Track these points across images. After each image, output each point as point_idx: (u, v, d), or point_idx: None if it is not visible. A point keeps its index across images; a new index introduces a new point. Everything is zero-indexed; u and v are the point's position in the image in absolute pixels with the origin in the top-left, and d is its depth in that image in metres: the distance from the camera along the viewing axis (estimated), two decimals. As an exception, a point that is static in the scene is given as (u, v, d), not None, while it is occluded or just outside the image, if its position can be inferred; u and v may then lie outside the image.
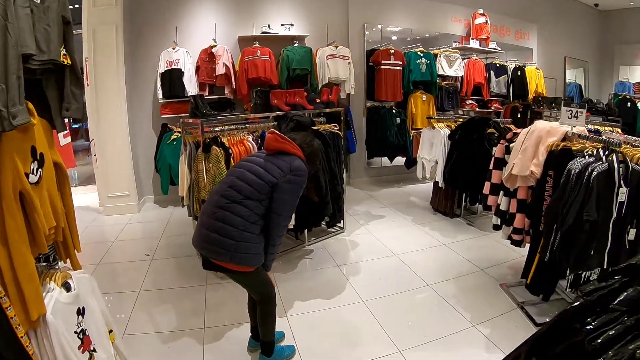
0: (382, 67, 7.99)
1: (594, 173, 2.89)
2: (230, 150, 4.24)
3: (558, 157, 3.38)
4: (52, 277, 2.02)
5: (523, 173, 3.65)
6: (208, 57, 7.15)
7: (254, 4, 7.70)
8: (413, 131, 8.12)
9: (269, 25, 7.54)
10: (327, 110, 5.61)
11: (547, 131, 3.64)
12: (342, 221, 5.77)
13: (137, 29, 7.03)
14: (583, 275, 3.55)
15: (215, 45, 7.13)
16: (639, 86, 10.89)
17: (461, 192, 6.31)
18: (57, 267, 2.22)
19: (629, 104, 9.38)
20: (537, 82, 9.85)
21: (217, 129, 4.57)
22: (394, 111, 8.23)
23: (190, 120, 4.67)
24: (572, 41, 11.92)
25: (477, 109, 9.19)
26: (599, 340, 1.07)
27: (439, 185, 6.30)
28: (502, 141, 4.29)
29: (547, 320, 3.45)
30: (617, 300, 1.13)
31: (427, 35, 9.19)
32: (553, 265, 3.29)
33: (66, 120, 2.29)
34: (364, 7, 8.36)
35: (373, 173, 9.04)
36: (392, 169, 8.98)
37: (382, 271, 4.67)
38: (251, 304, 3.22)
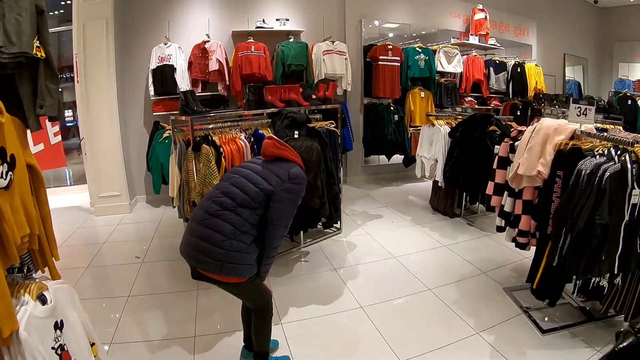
0: (380, 63, 7.84)
1: (607, 174, 2.75)
2: (221, 149, 4.05)
3: (567, 157, 3.23)
4: (27, 289, 1.86)
5: (529, 173, 3.49)
6: (201, 52, 6.96)
7: (248, -2, 7.52)
8: (411, 128, 7.99)
9: (263, 20, 7.36)
10: (323, 107, 5.44)
11: (554, 129, 3.47)
12: (339, 222, 5.61)
13: (128, 24, 6.84)
14: (592, 281, 3.42)
15: (209, 41, 6.95)
16: (639, 84, 10.88)
17: (462, 191, 6.17)
18: (33, 277, 2.07)
19: (629, 102, 9.44)
20: (536, 79, 9.75)
21: (210, 126, 4.38)
22: (391, 108, 8.08)
23: (183, 118, 4.47)
24: (571, 38, 11.87)
25: (476, 106, 9.02)
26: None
27: (439, 184, 6.14)
28: (506, 139, 4.11)
29: (553, 326, 3.35)
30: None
31: (424, 31, 9.01)
32: (561, 270, 3.12)
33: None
34: (361, 2, 8.20)
35: (370, 171, 8.87)
36: (390, 167, 8.83)
37: (380, 274, 4.52)
38: (245, 311, 3.06)
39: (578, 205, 2.88)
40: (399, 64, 7.99)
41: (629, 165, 2.74)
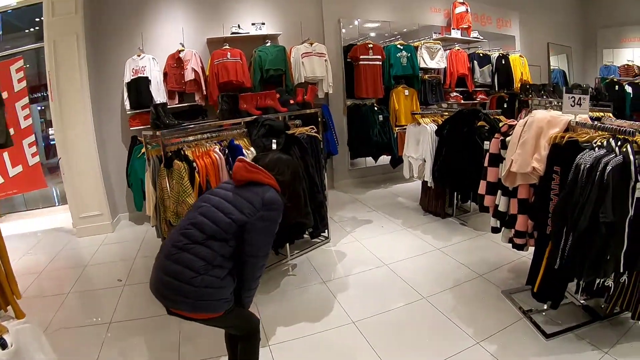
0: (361, 62, 7.65)
1: (609, 167, 2.55)
2: (194, 164, 3.79)
3: (564, 151, 3.02)
4: (-16, 334, 1.64)
5: (524, 170, 3.28)
6: (176, 62, 6.73)
7: (222, 4, 7.30)
8: (397, 128, 7.81)
9: (238, 25, 7.14)
10: (301, 112, 5.20)
11: (547, 121, 3.27)
12: (326, 230, 5.38)
13: (100, 38, 6.59)
14: (597, 281, 3.21)
15: (183, 50, 6.71)
16: (624, 69, 10.93)
17: (452, 190, 5.96)
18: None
19: (616, 87, 9.38)
20: (522, 70, 9.63)
21: (190, 138, 4.13)
22: (375, 108, 7.89)
23: (158, 133, 4.20)
24: (554, 27, 11.77)
25: (462, 101, 8.90)
26: None
27: (428, 184, 5.93)
28: (496, 135, 3.87)
29: (557, 329, 3.15)
30: None
31: (405, 29, 8.83)
32: (563, 270, 2.92)
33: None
34: (338, 1, 7.99)
35: (357, 174, 8.65)
36: (377, 169, 8.61)
37: (372, 285, 4.29)
38: (228, 337, 2.83)
39: (579, 203, 2.69)
40: (380, 63, 7.80)
41: (631, 157, 2.54)
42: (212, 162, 3.91)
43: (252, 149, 4.17)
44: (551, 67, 11.85)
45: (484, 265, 4.49)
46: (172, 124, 4.26)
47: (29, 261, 5.50)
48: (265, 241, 2.50)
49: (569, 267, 2.82)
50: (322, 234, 5.32)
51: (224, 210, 2.43)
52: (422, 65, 8.24)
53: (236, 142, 4.17)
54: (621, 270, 2.75)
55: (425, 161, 5.88)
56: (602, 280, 3.16)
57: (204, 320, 2.45)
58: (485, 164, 3.95)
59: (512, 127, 3.72)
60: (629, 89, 9.43)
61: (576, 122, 3.20)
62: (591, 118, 3.51)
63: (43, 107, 8.13)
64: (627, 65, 10.97)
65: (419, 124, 5.99)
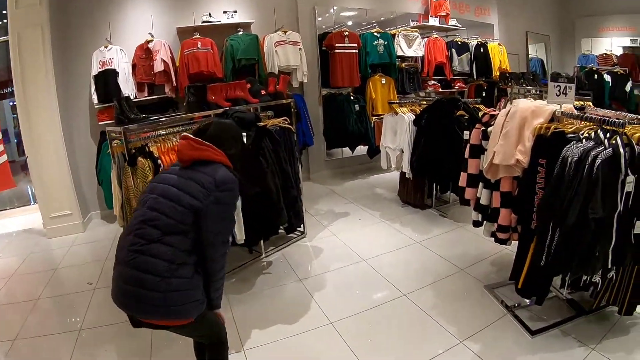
0: (337, 51, 7.46)
1: (598, 161, 2.42)
2: (159, 161, 3.59)
3: (549, 143, 2.88)
4: None
5: (507, 162, 3.15)
6: (144, 53, 6.45)
7: (193, -9, 7.06)
8: (374, 117, 7.66)
9: (209, 14, 6.87)
10: (274, 102, 5.00)
11: (531, 111, 3.13)
12: (302, 225, 5.19)
13: (66, 29, 6.28)
14: (584, 277, 3.15)
15: (152, 40, 6.44)
16: (602, 58, 10.99)
17: (431, 181, 5.83)
18: None
19: (595, 76, 9.45)
20: (500, 58, 9.53)
21: (156, 133, 3.91)
22: (352, 98, 7.72)
23: (119, 129, 3.96)
24: (532, 16, 11.73)
25: (440, 90, 8.77)
26: None
27: (407, 175, 5.78)
28: (477, 125, 3.72)
29: (542, 325, 3.04)
30: None
31: (383, 17, 8.67)
32: (549, 267, 2.80)
33: None
34: (313, -13, 7.77)
35: (334, 165, 8.49)
36: (354, 160, 8.47)
37: (350, 282, 4.14)
38: (197, 346, 2.66)
39: (566, 197, 2.56)
40: (356, 51, 7.63)
41: (621, 150, 2.42)
42: (178, 157, 3.70)
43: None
44: (529, 56, 11.82)
45: (465, 259, 4.38)
46: (136, 119, 4.03)
47: None
48: (223, 226, 2.30)
49: (555, 264, 2.72)
50: (297, 228, 5.12)
51: (173, 199, 2.20)
52: (400, 53, 8.08)
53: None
54: (609, 266, 2.67)
55: (403, 152, 5.74)
56: (589, 277, 3.07)
57: (175, 328, 2.26)
58: (466, 156, 3.82)
59: (493, 116, 3.58)
60: (607, 77, 9.51)
61: (561, 112, 3.05)
62: (575, 107, 3.38)
63: (15, 103, 7.86)
64: (606, 54, 11.02)
65: (397, 113, 5.83)
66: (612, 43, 11.63)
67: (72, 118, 6.41)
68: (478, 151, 3.69)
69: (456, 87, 9.10)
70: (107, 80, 6.18)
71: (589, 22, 12.19)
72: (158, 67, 6.32)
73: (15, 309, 4.10)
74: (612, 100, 9.34)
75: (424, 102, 6.00)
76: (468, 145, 3.81)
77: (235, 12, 6.99)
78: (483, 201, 3.57)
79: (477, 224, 3.78)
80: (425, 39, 8.50)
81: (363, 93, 7.90)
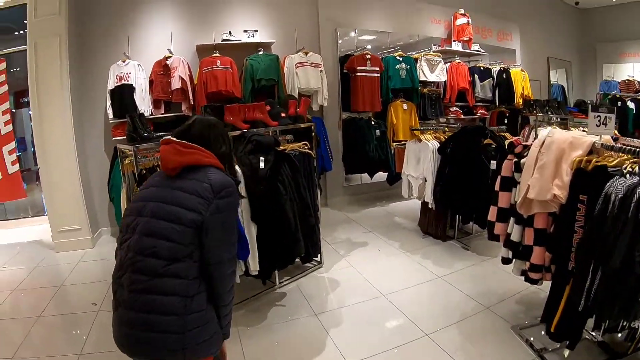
0: (358, 74, 7.29)
1: (646, 200, 2.20)
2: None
3: (590, 178, 2.66)
4: None
5: (543, 197, 2.92)
6: (162, 69, 6.35)
7: (213, 9, 6.96)
8: (394, 144, 7.39)
9: (230, 32, 6.79)
10: (292, 126, 4.82)
11: (569, 143, 2.91)
12: (319, 254, 4.96)
13: (84, 40, 6.25)
14: (623, 323, 2.86)
15: (171, 56, 6.35)
16: (624, 84, 10.82)
17: (455, 212, 5.59)
18: None
19: (619, 103, 9.18)
20: (523, 84, 9.34)
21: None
22: (372, 122, 7.55)
23: (130, 148, 3.79)
24: (554, 41, 11.63)
25: (462, 116, 8.59)
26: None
27: (429, 205, 5.54)
28: (509, 156, 3.50)
29: None
30: None
31: (404, 40, 8.51)
32: (588, 312, 2.61)
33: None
34: (335, 9, 7.65)
35: (352, 191, 8.28)
36: (373, 186, 8.24)
37: (368, 319, 3.88)
38: None
39: (610, 238, 2.34)
40: (378, 75, 7.47)
41: (671, 188, 2.20)
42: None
43: (237, 167, 3.76)
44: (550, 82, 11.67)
45: (490, 296, 4.12)
46: (149, 137, 3.85)
47: (2, 277, 5.20)
48: (228, 238, 2.01)
49: (595, 309, 2.50)
50: (314, 258, 4.91)
51: (169, 218, 1.90)
52: (422, 78, 7.93)
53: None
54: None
55: (426, 180, 5.52)
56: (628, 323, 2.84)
57: None
58: (497, 188, 3.58)
59: (526, 147, 3.36)
60: (631, 105, 9.33)
61: (601, 144, 2.83)
62: (612, 138, 3.16)
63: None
64: (628, 80, 10.86)
65: (420, 140, 5.62)
66: (634, 69, 11.55)
67: (86, 131, 6.35)
68: (510, 184, 3.46)
69: (478, 114, 8.90)
70: (123, 95, 6.10)
71: (611, 47, 12.15)
72: (175, 84, 6.21)
73: (16, 325, 3.99)
74: (636, 128, 9.14)
75: (447, 129, 5.83)
76: (499, 177, 3.57)
77: (256, 31, 6.88)
78: (514, 237, 3.33)
79: (506, 261, 3.55)
80: (448, 64, 8.34)
81: (384, 118, 7.73)
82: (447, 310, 3.94)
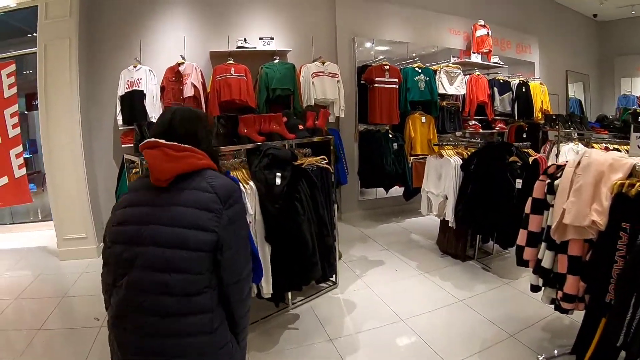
0: (376, 85, 7.11)
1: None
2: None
3: (633, 203, 2.45)
4: None
5: (579, 223, 2.70)
6: (174, 76, 6.21)
7: (228, 15, 6.86)
8: (412, 157, 7.25)
9: (245, 39, 6.64)
10: (307, 140, 4.59)
11: (609, 165, 2.69)
12: (334, 274, 4.74)
13: (95, 44, 6.16)
14: None
15: (183, 63, 6.21)
16: None
17: (477, 232, 5.37)
18: None
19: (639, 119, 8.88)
20: (542, 98, 9.13)
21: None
22: (390, 135, 7.35)
23: (136, 159, 3.61)
24: (572, 54, 11.54)
25: (481, 130, 8.39)
26: None
27: (449, 224, 5.32)
28: (542, 177, 3.27)
29: None
30: None
31: (423, 51, 8.38)
32: (626, 347, 2.39)
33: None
34: (353, 18, 7.51)
35: (367, 206, 8.07)
36: (389, 201, 8.02)
37: (386, 346, 3.66)
38: None
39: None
40: (397, 86, 7.29)
41: None
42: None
43: (251, 183, 3.54)
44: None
45: (513, 323, 3.89)
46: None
47: (4, 284, 5.09)
48: (244, 251, 1.76)
49: (635, 345, 2.30)
50: (330, 278, 4.70)
51: (175, 244, 1.59)
52: (441, 90, 7.74)
53: (232, 174, 3.54)
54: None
55: (447, 198, 5.30)
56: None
57: None
58: (527, 211, 3.34)
59: (560, 167, 3.14)
60: (653, 121, 9.00)
61: None
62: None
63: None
64: (647, 94, 10.66)
65: (442, 156, 5.41)
66: (653, 83, 11.40)
67: (94, 137, 6.26)
68: (542, 206, 3.22)
69: (497, 128, 8.69)
70: (133, 101, 6.01)
71: (629, 60, 12.04)
72: (188, 91, 6.08)
73: (16, 337, 3.91)
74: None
75: (467, 142, 5.69)
76: (530, 198, 3.35)
77: (272, 39, 6.74)
78: (545, 264, 3.09)
79: (535, 288, 3.30)
80: (467, 76, 8.15)
81: (402, 131, 7.53)
82: (469, 338, 3.72)
